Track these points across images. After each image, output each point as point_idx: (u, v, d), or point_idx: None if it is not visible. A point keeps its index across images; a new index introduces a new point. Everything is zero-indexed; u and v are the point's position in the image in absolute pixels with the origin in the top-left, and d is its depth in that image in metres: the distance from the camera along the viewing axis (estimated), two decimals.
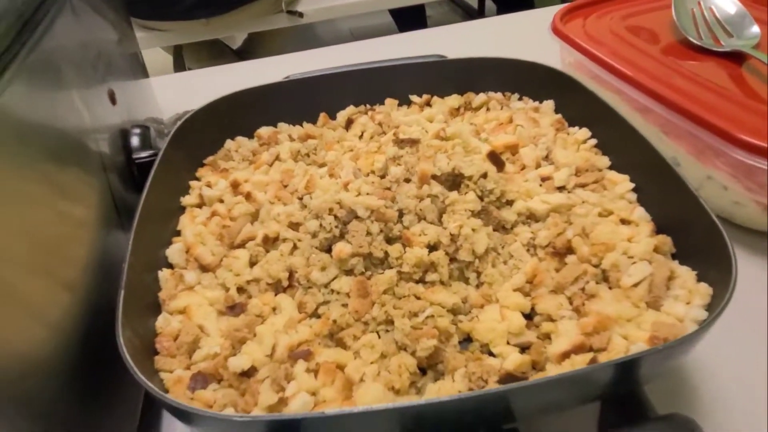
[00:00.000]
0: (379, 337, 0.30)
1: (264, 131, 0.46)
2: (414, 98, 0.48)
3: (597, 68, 0.51)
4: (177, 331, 0.30)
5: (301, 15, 1.65)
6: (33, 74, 0.27)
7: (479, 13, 2.51)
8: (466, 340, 0.31)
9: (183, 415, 0.25)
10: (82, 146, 0.33)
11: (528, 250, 0.34)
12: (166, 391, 0.28)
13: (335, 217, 0.33)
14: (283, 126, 0.47)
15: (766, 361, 0.34)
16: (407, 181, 0.35)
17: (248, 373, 0.28)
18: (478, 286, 0.33)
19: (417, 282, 0.32)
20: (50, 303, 0.26)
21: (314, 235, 0.33)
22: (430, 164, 0.35)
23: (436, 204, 0.34)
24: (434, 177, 0.35)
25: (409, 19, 1.99)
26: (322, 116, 0.47)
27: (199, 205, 0.40)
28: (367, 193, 0.34)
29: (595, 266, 0.32)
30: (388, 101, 0.48)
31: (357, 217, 0.33)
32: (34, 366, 0.24)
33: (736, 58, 0.51)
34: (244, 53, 1.91)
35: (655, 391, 0.28)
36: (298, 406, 0.26)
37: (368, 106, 0.48)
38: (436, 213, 0.34)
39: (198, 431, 0.33)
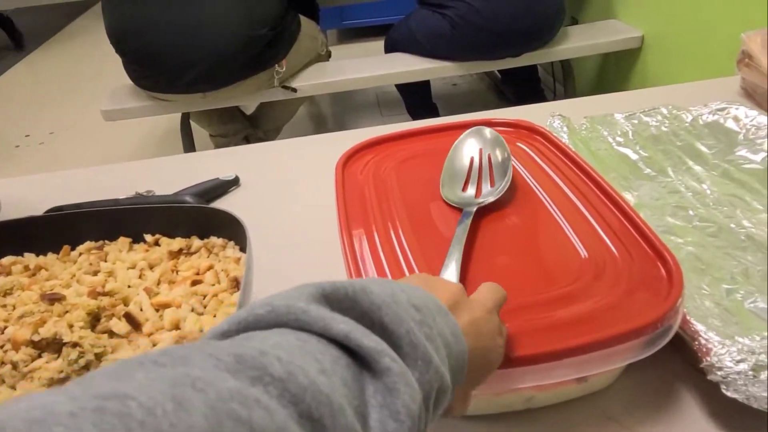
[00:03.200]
0: None
1: (5, 260, 0.52)
2: (147, 237, 0.53)
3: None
4: None
5: (294, 90, 1.75)
6: None
7: (503, 82, 2.51)
8: None
9: None
10: None
11: None
12: None
13: None
14: (29, 256, 0.53)
15: None
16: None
17: None
18: None
19: None
20: None
21: None
22: (27, 330, 0.39)
23: (19, 370, 0.38)
24: (34, 342, 0.39)
25: (413, 94, 2.04)
26: (64, 249, 0.53)
27: None
28: None
29: None
30: (121, 239, 0.53)
31: None
32: None
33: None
34: (255, 119, 2.03)
35: None
36: None
37: (106, 241, 0.53)
38: (18, 378, 0.38)
39: None
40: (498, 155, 0.55)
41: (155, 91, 1.70)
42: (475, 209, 0.50)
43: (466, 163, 0.56)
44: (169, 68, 1.60)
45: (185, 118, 1.88)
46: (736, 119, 0.66)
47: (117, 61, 1.66)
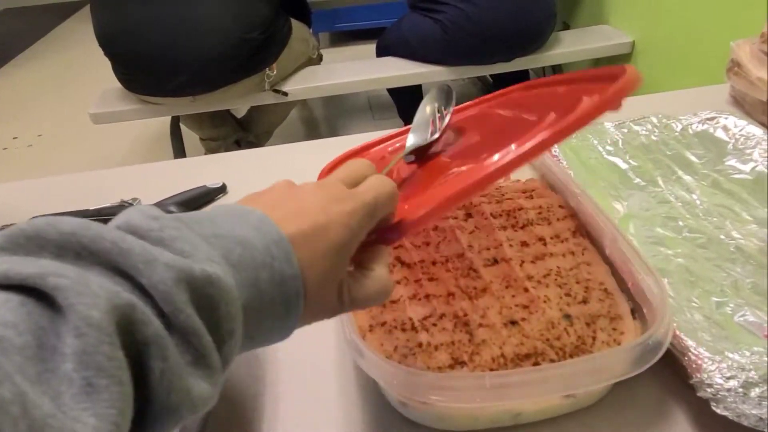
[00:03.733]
0: None
1: None
2: None
3: None
4: None
5: (285, 94, 1.74)
6: None
7: (495, 86, 2.51)
8: None
9: None
10: None
11: None
12: None
13: None
14: None
15: None
16: None
17: None
18: None
19: None
20: None
21: None
22: None
23: None
24: None
25: (405, 98, 2.03)
26: None
27: None
28: None
29: None
30: None
31: None
32: None
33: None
34: (246, 122, 2.02)
35: None
36: None
37: None
38: None
39: None
40: (446, 109, 0.53)
41: (144, 94, 1.69)
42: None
43: (420, 117, 0.54)
44: (159, 71, 1.59)
45: (175, 122, 1.87)
46: (725, 129, 0.66)
47: (106, 63, 1.64)
